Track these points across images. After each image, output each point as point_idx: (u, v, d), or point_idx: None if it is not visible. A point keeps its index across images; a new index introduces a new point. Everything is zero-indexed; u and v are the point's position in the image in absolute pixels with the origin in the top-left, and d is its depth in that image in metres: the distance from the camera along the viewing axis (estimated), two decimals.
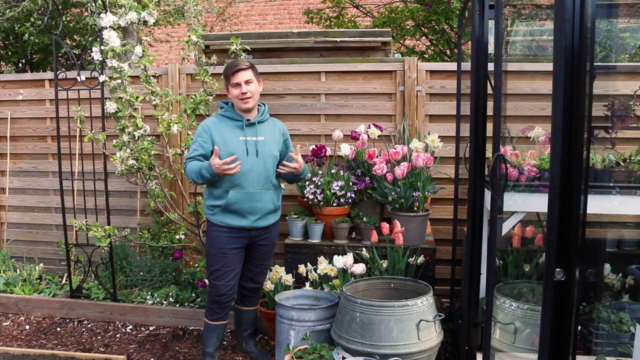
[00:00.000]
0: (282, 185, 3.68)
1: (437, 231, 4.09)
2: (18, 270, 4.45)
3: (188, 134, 3.79)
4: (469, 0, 3.02)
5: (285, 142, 3.13)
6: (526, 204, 2.54)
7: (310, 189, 3.65)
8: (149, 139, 3.73)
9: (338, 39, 4.37)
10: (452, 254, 3.73)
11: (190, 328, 3.73)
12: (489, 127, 2.33)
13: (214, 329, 3.06)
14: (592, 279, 2.78)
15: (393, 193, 3.44)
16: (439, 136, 3.62)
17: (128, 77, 3.63)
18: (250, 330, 3.31)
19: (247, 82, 2.92)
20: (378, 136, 3.78)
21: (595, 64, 2.24)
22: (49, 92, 4.60)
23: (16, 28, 6.45)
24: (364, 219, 3.64)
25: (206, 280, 3.59)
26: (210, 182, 2.93)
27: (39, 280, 4.37)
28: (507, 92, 3.74)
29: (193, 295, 3.91)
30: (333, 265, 3.33)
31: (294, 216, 3.76)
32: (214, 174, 2.80)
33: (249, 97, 2.93)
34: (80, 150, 4.52)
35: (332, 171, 3.71)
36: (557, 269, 1.47)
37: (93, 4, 4.15)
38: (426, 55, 7.00)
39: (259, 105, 3.07)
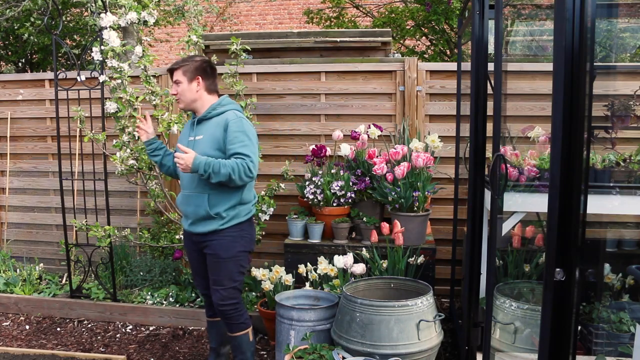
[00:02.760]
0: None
1: (437, 231, 4.09)
2: (18, 270, 4.45)
3: None
4: (469, 0, 3.02)
5: (227, 136, 2.67)
6: (526, 204, 2.54)
7: (310, 189, 3.65)
8: None
9: (338, 39, 4.37)
10: (452, 254, 3.73)
11: (190, 328, 3.73)
12: (489, 127, 2.33)
13: (211, 325, 3.04)
14: (592, 279, 2.78)
15: (393, 193, 3.44)
16: (439, 136, 3.62)
17: (128, 77, 3.63)
18: (225, 349, 3.07)
19: (175, 82, 2.78)
20: (378, 136, 3.78)
21: (595, 64, 2.24)
22: (49, 92, 4.60)
23: (16, 28, 6.45)
24: (364, 219, 3.64)
25: None
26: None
27: (39, 280, 4.37)
28: (507, 92, 3.73)
29: (193, 295, 3.91)
30: (333, 265, 3.33)
31: (294, 216, 3.76)
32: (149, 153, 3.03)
33: (177, 99, 2.80)
34: (80, 150, 4.52)
35: (332, 171, 3.70)
36: (557, 269, 1.47)
37: (93, 4, 4.15)
38: (426, 55, 7.00)
39: (220, 99, 2.83)
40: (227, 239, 2.73)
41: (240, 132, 2.66)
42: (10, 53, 7.43)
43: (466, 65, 3.06)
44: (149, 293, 3.94)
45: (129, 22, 3.59)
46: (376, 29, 5.04)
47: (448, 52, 6.70)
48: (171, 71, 2.81)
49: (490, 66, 2.34)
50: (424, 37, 7.07)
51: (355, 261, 3.31)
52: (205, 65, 2.81)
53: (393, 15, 6.95)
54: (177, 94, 2.79)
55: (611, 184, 2.35)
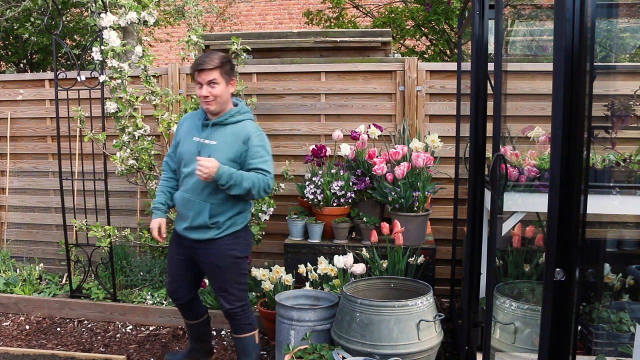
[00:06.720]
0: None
1: (437, 231, 4.09)
2: (18, 270, 4.45)
3: None
4: (469, 0, 3.03)
5: (247, 151, 2.61)
6: (526, 204, 2.54)
7: (310, 189, 3.65)
8: (149, 139, 3.73)
9: (338, 39, 4.37)
10: (452, 254, 3.73)
11: None
12: (489, 127, 2.33)
13: (190, 326, 3.01)
14: (592, 279, 2.79)
15: (393, 193, 3.44)
16: (439, 136, 3.62)
17: (128, 77, 3.63)
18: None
19: (210, 82, 2.56)
20: (378, 136, 3.78)
21: (595, 64, 2.24)
22: (49, 92, 4.60)
23: (16, 28, 6.45)
24: (364, 219, 3.64)
25: (205, 280, 3.59)
26: None
27: (39, 280, 4.37)
28: (507, 92, 3.74)
29: None
30: (333, 265, 3.33)
31: (294, 216, 3.76)
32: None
33: (211, 101, 2.59)
34: (80, 150, 4.52)
35: (332, 171, 3.71)
36: (557, 269, 1.47)
37: (93, 4, 4.16)
38: (426, 55, 7.00)
39: (234, 104, 2.73)
40: (222, 248, 2.67)
41: (261, 147, 2.62)
42: (10, 53, 7.43)
43: (466, 65, 3.06)
44: (149, 293, 3.94)
45: (129, 22, 3.59)
46: (376, 29, 5.04)
47: (448, 52, 6.70)
48: (201, 71, 2.56)
49: (490, 66, 2.34)
50: (424, 37, 7.06)
51: (355, 261, 3.31)
52: (234, 66, 2.70)
53: (393, 15, 6.95)
54: (209, 95, 2.57)
55: (611, 184, 2.35)
